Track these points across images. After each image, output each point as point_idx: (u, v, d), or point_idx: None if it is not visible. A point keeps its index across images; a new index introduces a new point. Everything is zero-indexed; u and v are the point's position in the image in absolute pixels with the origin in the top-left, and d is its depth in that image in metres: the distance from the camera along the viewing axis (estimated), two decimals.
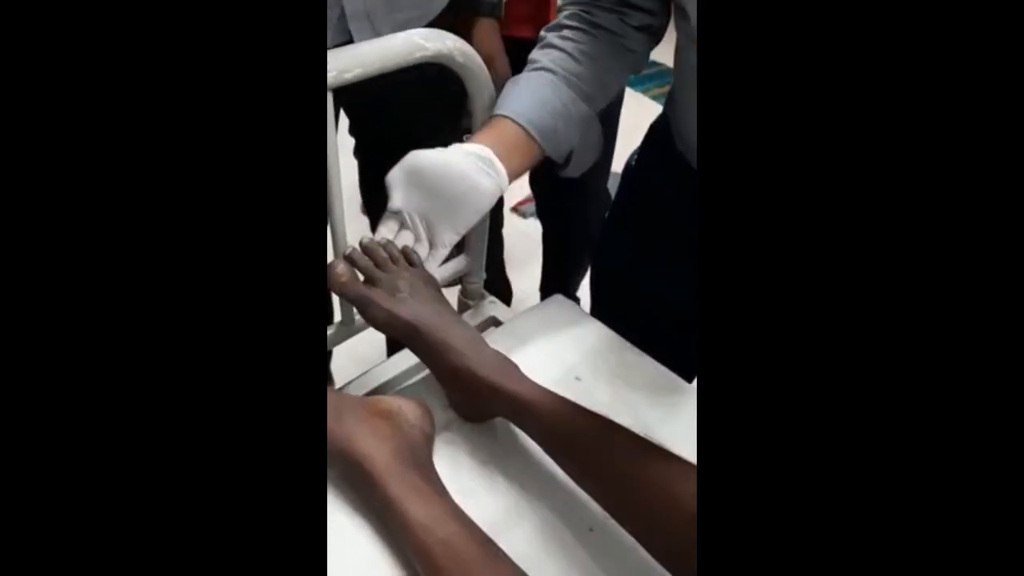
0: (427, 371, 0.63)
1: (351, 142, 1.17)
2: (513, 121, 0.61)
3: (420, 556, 0.45)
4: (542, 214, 1.54)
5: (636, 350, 0.71)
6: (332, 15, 0.82)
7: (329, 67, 0.62)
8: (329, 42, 0.83)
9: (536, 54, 0.67)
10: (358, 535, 0.51)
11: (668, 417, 0.62)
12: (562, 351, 0.70)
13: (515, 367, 0.59)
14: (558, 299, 0.79)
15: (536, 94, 0.63)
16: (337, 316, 0.78)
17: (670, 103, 0.76)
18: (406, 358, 0.76)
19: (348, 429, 0.53)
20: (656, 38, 0.70)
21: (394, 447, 0.51)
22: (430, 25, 0.88)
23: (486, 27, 1.11)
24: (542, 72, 0.64)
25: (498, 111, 0.63)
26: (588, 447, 0.52)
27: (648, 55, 0.70)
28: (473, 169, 0.59)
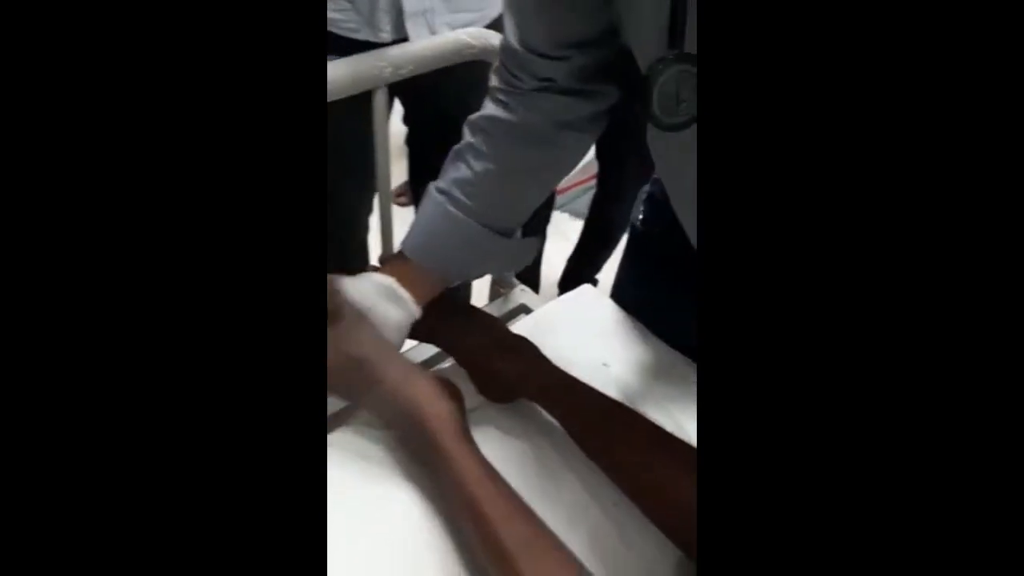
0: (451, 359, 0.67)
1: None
2: (408, 259, 0.62)
3: (470, 507, 0.48)
4: (601, 182, 1.55)
5: (664, 344, 0.74)
6: (392, 13, 0.86)
7: (385, 64, 0.66)
8: (387, 38, 0.87)
9: (448, 163, 0.62)
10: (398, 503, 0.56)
11: (693, 406, 0.66)
12: (590, 339, 0.74)
13: (534, 348, 0.62)
14: (587, 289, 0.83)
15: (430, 227, 0.61)
16: None
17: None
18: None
19: (415, 381, 0.56)
20: (597, 131, 0.62)
21: (453, 407, 0.55)
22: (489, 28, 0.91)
23: None
24: (440, 198, 0.61)
25: (402, 244, 0.63)
26: (605, 430, 0.56)
27: (591, 144, 0.64)
28: (379, 301, 0.60)
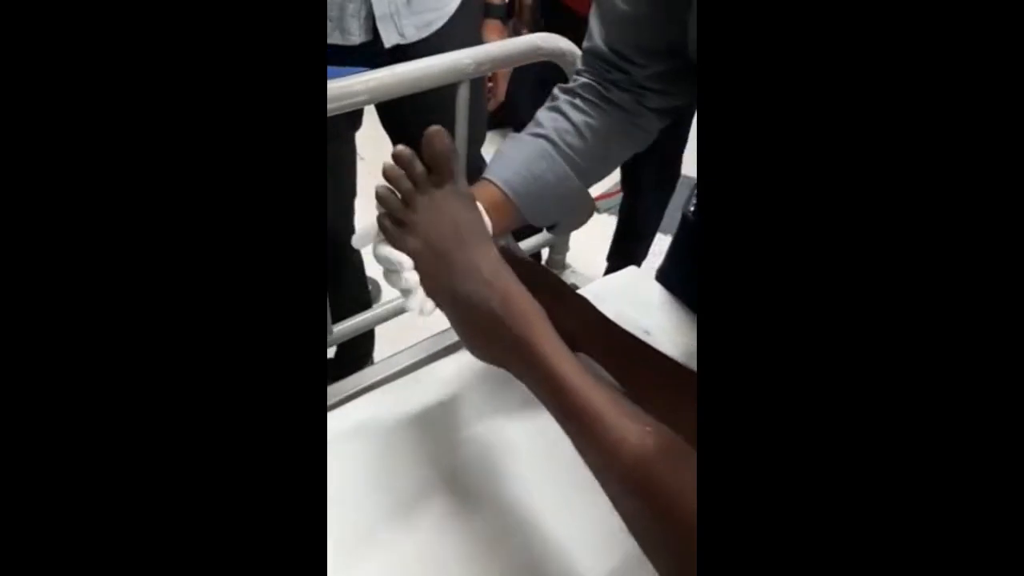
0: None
1: None
2: (498, 187, 0.62)
3: (569, 404, 0.47)
4: (623, 181, 1.69)
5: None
6: (360, 15, 0.92)
7: (469, 61, 0.77)
8: (356, 40, 0.93)
9: (543, 115, 0.66)
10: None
11: None
12: (633, 311, 0.82)
13: (594, 307, 0.68)
14: (632, 269, 0.92)
15: (529, 164, 0.63)
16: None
17: None
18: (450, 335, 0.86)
19: (508, 276, 0.53)
20: (672, 118, 0.70)
21: (542, 309, 0.53)
22: (447, 25, 0.99)
23: (491, 28, 1.30)
24: (542, 141, 0.64)
25: (488, 174, 0.63)
26: (661, 384, 0.62)
27: (659, 132, 0.71)
28: None
